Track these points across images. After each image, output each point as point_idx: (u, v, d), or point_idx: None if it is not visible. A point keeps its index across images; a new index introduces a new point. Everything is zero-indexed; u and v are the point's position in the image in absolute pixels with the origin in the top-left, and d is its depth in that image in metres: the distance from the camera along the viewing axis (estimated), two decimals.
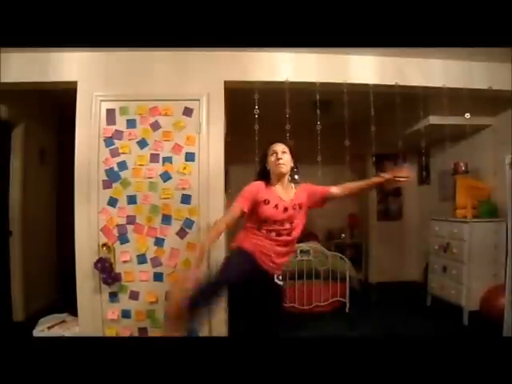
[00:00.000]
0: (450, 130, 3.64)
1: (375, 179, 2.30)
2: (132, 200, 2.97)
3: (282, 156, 2.12)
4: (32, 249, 3.94)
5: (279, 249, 2.11)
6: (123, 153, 2.98)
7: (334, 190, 2.24)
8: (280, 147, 2.15)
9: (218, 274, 1.99)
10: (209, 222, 2.97)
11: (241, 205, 2.08)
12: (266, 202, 2.08)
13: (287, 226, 2.11)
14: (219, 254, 3.00)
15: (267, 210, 2.08)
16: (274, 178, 2.18)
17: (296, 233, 2.16)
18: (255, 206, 2.09)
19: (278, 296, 2.22)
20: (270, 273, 2.12)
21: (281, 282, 2.18)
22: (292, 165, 2.19)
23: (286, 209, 2.11)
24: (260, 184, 2.16)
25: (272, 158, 2.14)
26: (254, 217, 2.12)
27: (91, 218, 2.95)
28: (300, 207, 2.16)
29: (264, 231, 2.09)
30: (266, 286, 2.13)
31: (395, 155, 5.22)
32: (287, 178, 2.18)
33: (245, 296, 2.14)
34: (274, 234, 2.10)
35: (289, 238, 2.13)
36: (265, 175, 2.20)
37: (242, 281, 1.98)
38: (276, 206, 2.09)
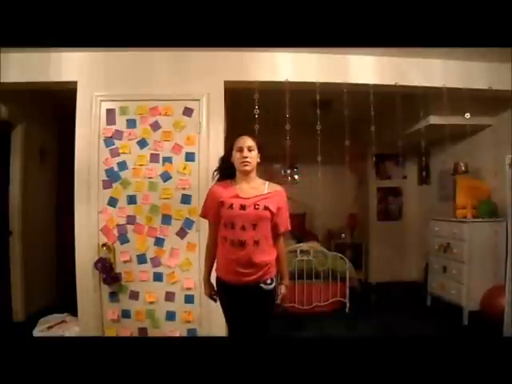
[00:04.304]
0: (450, 130, 3.64)
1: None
2: (132, 200, 2.97)
3: (247, 154, 1.96)
4: (32, 249, 3.94)
5: (242, 268, 1.92)
6: (123, 153, 2.98)
7: (282, 237, 2.10)
8: (247, 142, 1.98)
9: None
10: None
11: (206, 217, 2.09)
12: (222, 203, 1.95)
13: (250, 232, 1.90)
14: None
15: (223, 212, 1.95)
16: (238, 175, 2.03)
17: (261, 247, 1.93)
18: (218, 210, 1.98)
19: (263, 301, 2.00)
20: (252, 282, 1.95)
21: (269, 286, 1.98)
22: (259, 161, 2.03)
23: (242, 206, 1.92)
24: (217, 187, 2.04)
25: (237, 155, 1.98)
26: (220, 222, 2.00)
27: (91, 218, 2.95)
28: (265, 209, 1.93)
29: (228, 243, 1.94)
30: (249, 294, 1.96)
31: (395, 155, 5.26)
32: (254, 173, 2.04)
33: (230, 305, 2.04)
34: (236, 244, 1.91)
35: (252, 250, 1.91)
36: (229, 171, 2.06)
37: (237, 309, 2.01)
38: (231, 206, 1.92)
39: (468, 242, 3.72)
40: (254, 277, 1.94)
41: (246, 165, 1.97)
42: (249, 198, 1.95)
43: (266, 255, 1.98)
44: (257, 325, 1.97)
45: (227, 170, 2.08)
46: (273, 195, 2.01)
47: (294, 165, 6.12)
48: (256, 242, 1.92)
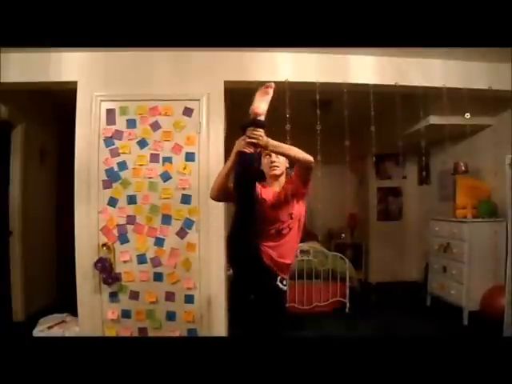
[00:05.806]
0: (450, 130, 3.64)
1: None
2: (132, 200, 2.97)
3: (275, 159, 2.04)
4: (32, 249, 3.94)
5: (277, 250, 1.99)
6: (123, 153, 2.97)
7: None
8: None
9: None
10: (209, 222, 2.98)
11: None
12: (264, 200, 2.00)
13: (286, 221, 1.99)
14: None
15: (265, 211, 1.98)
16: (269, 179, 2.11)
17: (293, 231, 2.02)
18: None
19: (278, 300, 2.07)
20: (273, 273, 1.99)
21: (284, 287, 2.04)
22: (287, 165, 2.10)
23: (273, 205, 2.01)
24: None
25: (265, 160, 2.07)
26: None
27: (91, 218, 2.95)
28: (285, 196, 2.00)
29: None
30: (267, 288, 2.01)
31: (395, 155, 5.26)
32: (284, 178, 2.10)
33: (246, 294, 2.11)
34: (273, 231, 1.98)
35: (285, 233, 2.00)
36: (260, 177, 2.11)
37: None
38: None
39: (468, 242, 3.73)
40: (282, 273, 2.06)
41: (275, 169, 2.05)
42: (273, 199, 2.04)
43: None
44: (272, 321, 2.03)
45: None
46: (286, 183, 2.10)
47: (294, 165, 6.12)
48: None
